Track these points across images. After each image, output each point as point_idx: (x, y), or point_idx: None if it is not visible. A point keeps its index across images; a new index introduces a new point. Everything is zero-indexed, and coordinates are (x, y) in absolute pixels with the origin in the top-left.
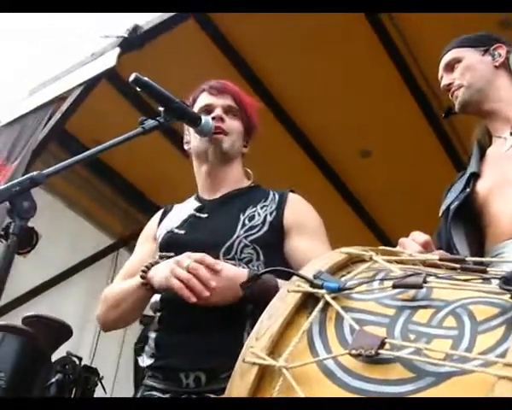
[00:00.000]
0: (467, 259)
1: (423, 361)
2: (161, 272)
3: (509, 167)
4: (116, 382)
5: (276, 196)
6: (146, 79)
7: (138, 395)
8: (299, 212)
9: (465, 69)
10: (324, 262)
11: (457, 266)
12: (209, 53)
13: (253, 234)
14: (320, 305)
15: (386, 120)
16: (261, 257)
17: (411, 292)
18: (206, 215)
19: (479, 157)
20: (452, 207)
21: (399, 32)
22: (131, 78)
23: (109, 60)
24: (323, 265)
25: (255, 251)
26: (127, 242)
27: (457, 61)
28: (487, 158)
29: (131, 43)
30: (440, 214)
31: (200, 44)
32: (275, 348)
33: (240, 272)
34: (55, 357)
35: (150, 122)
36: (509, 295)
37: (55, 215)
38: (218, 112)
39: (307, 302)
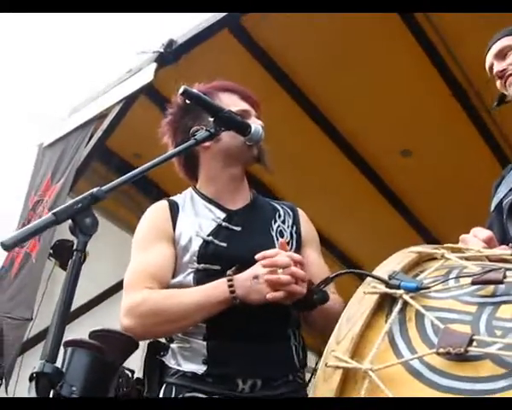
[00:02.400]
0: None
1: None
2: (246, 286)
3: None
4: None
5: (288, 210)
6: (195, 90)
7: (168, 395)
8: (310, 227)
9: None
10: (396, 262)
11: None
12: (244, 62)
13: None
14: (398, 305)
15: (426, 118)
16: None
17: (490, 288)
18: (239, 228)
19: None
20: (506, 200)
21: (436, 29)
22: (181, 90)
23: (146, 75)
24: (396, 265)
25: None
26: None
27: (511, 48)
28: None
29: (167, 58)
30: (492, 209)
31: (235, 54)
32: (357, 351)
33: None
34: None
35: (202, 133)
36: None
37: (100, 231)
38: (259, 122)
39: (384, 303)
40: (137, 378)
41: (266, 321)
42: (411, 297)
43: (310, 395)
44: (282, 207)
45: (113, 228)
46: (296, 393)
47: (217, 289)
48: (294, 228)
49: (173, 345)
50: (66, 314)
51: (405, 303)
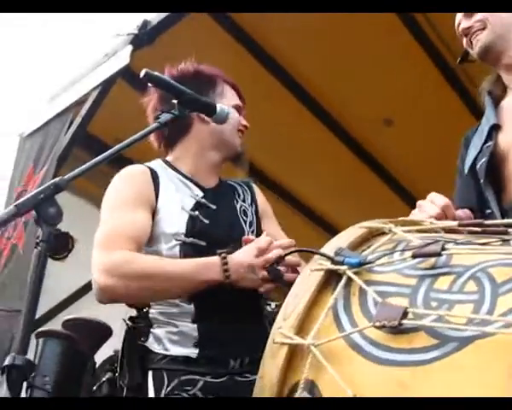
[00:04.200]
0: (485, 222)
1: (446, 327)
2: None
3: None
4: None
5: (245, 188)
6: (156, 73)
7: (159, 382)
8: (263, 200)
9: (492, 14)
10: (345, 239)
11: (478, 229)
12: (220, 39)
13: (252, 230)
14: (343, 281)
15: (407, 87)
16: None
17: (431, 260)
18: (215, 207)
19: (494, 109)
20: (480, 164)
21: None
22: (142, 73)
23: (122, 58)
24: (344, 241)
25: None
26: None
27: None
28: (503, 110)
29: (142, 39)
30: (466, 172)
31: (212, 33)
32: (302, 327)
33: None
34: (102, 357)
35: (165, 116)
36: None
37: (88, 218)
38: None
39: (330, 280)
40: None
41: (246, 300)
42: (355, 273)
43: (259, 372)
44: (241, 186)
45: None
46: None
47: (210, 268)
48: (254, 205)
49: (156, 330)
50: (35, 305)
51: (350, 279)
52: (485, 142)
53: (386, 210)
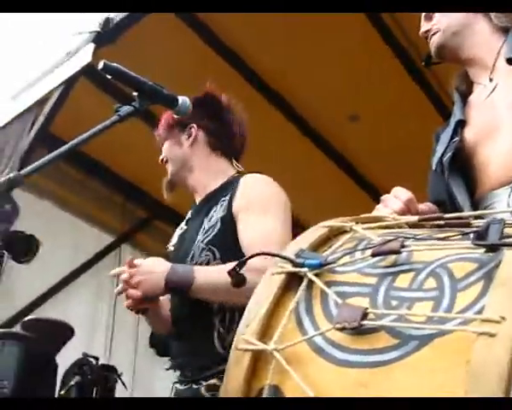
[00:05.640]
0: (445, 216)
1: (406, 327)
2: None
3: (492, 115)
4: (134, 377)
5: (234, 184)
6: (115, 64)
7: None
8: (248, 192)
9: (442, 15)
10: (305, 240)
11: (442, 222)
12: (184, 38)
13: (208, 236)
14: (304, 283)
15: (372, 83)
16: (217, 255)
17: (392, 258)
18: (186, 227)
19: (462, 104)
20: (445, 159)
21: None
22: (100, 65)
23: (84, 56)
24: (305, 242)
25: (211, 252)
26: (128, 237)
27: None
28: (470, 105)
29: (105, 37)
30: (434, 168)
31: (176, 31)
32: (265, 332)
33: (157, 263)
34: (70, 360)
35: (125, 108)
36: (485, 249)
37: (53, 220)
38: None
39: (292, 283)
40: (103, 365)
41: (190, 320)
42: (316, 274)
43: (224, 380)
44: (232, 184)
45: (68, 216)
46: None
47: None
48: (226, 205)
49: None
50: None
51: (311, 281)
52: (452, 137)
53: (352, 206)
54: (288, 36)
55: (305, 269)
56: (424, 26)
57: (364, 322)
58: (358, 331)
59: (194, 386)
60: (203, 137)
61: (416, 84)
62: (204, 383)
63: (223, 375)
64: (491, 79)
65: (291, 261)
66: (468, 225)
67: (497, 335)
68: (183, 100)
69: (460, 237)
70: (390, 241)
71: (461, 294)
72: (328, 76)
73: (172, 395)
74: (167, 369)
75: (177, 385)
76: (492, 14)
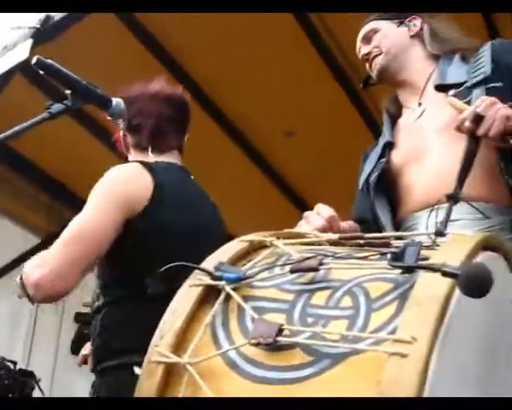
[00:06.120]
0: (366, 235)
1: (320, 345)
2: None
3: (420, 139)
4: (53, 383)
5: None
6: (49, 61)
7: None
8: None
9: (382, 37)
10: (225, 253)
11: (362, 242)
12: (124, 39)
13: None
14: (221, 297)
15: (309, 100)
16: None
17: (310, 275)
18: None
19: (390, 126)
20: (372, 178)
21: (318, 14)
22: (33, 60)
23: (22, 52)
24: (224, 256)
25: None
26: (55, 238)
27: (375, 31)
28: (399, 128)
29: (44, 34)
30: (360, 187)
31: (114, 31)
32: (180, 345)
33: None
34: None
35: (57, 106)
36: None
37: None
38: None
39: (209, 296)
40: (20, 369)
41: None
42: (234, 288)
43: (135, 392)
44: None
45: None
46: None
47: None
48: None
49: None
50: None
51: (228, 295)
52: (380, 158)
53: (284, 222)
54: (227, 46)
55: (223, 282)
56: (363, 48)
57: (279, 338)
58: (274, 348)
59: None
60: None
61: (352, 103)
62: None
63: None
64: (420, 104)
65: (209, 274)
66: (388, 245)
67: (409, 356)
68: (117, 102)
69: (378, 257)
70: (309, 258)
71: (375, 313)
72: (266, 90)
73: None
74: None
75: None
76: (427, 41)
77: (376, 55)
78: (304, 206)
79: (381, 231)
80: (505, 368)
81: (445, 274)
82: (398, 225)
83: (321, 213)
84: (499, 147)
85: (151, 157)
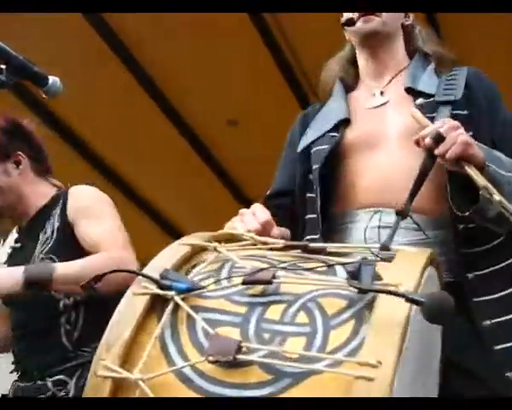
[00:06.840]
0: (310, 245)
1: (279, 364)
2: None
3: (379, 126)
4: None
5: (61, 197)
6: None
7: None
8: (80, 199)
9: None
10: (168, 257)
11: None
12: (72, 24)
13: (46, 246)
14: (170, 307)
15: (252, 89)
16: (57, 262)
17: (260, 287)
18: (19, 245)
19: (345, 99)
20: (317, 149)
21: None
22: None
23: None
24: (168, 261)
25: (51, 260)
26: None
27: None
28: (354, 106)
29: None
30: (300, 150)
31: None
32: (127, 358)
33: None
34: None
35: None
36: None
37: None
38: None
39: (155, 304)
40: None
41: (30, 314)
42: (183, 298)
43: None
44: (60, 195)
45: None
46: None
47: None
48: (58, 215)
49: None
50: None
51: (177, 304)
52: (331, 131)
53: (224, 213)
54: (175, 36)
55: (173, 292)
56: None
57: (239, 356)
58: (231, 365)
59: (40, 382)
60: (28, 164)
61: (293, 94)
62: (50, 379)
63: (70, 371)
64: (382, 92)
65: (156, 282)
66: (330, 254)
67: (376, 379)
68: (54, 80)
69: (326, 268)
70: (261, 270)
71: (334, 332)
72: (209, 78)
73: (12, 394)
74: (11, 372)
75: (19, 383)
76: (420, 38)
77: (374, 16)
78: (241, 196)
79: (306, 205)
80: (426, 375)
81: (409, 300)
82: (335, 217)
83: (257, 216)
84: (452, 170)
85: (48, 185)
